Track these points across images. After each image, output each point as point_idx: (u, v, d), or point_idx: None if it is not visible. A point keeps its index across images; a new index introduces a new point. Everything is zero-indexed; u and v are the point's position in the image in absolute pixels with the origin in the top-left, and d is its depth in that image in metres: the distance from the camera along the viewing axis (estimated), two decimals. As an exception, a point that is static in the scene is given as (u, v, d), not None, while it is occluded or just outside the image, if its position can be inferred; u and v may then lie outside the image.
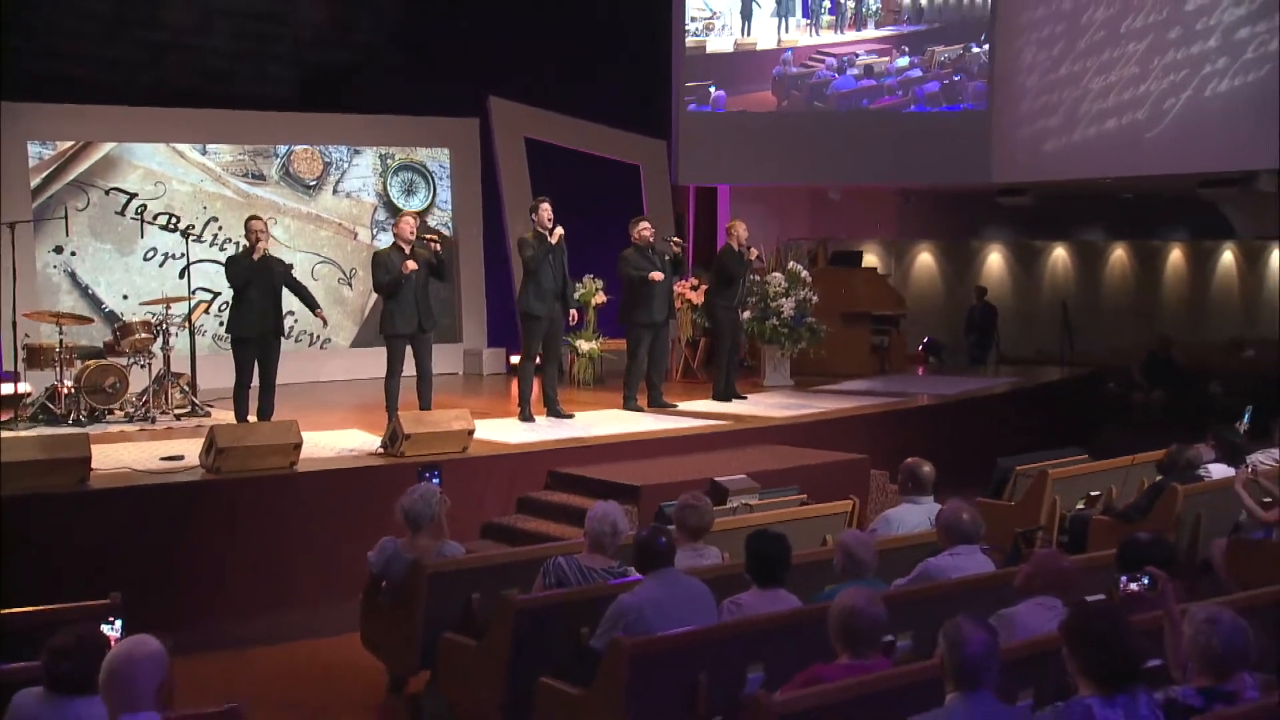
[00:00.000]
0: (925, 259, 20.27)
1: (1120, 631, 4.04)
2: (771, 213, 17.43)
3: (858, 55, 15.69)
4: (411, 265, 10.15)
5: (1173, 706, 4.15)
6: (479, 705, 5.94)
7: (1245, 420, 9.09)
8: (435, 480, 7.09)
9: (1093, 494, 9.09)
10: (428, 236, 10.61)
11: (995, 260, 21.18)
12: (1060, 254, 22.08)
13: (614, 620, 5.34)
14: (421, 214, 15.37)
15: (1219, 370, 17.62)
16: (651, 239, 11.79)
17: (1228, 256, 24.16)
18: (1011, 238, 21.09)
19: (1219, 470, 8.38)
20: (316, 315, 10.64)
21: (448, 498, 6.91)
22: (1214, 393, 16.23)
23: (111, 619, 4.58)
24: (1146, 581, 4.78)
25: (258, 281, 9.98)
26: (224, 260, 10.37)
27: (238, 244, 11.69)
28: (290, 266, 10.84)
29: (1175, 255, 23.55)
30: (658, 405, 11.87)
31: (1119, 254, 22.86)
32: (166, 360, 11.54)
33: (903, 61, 15.66)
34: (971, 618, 4.06)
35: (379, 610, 6.69)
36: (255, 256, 10.01)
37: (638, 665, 5.04)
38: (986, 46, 15.63)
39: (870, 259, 18.88)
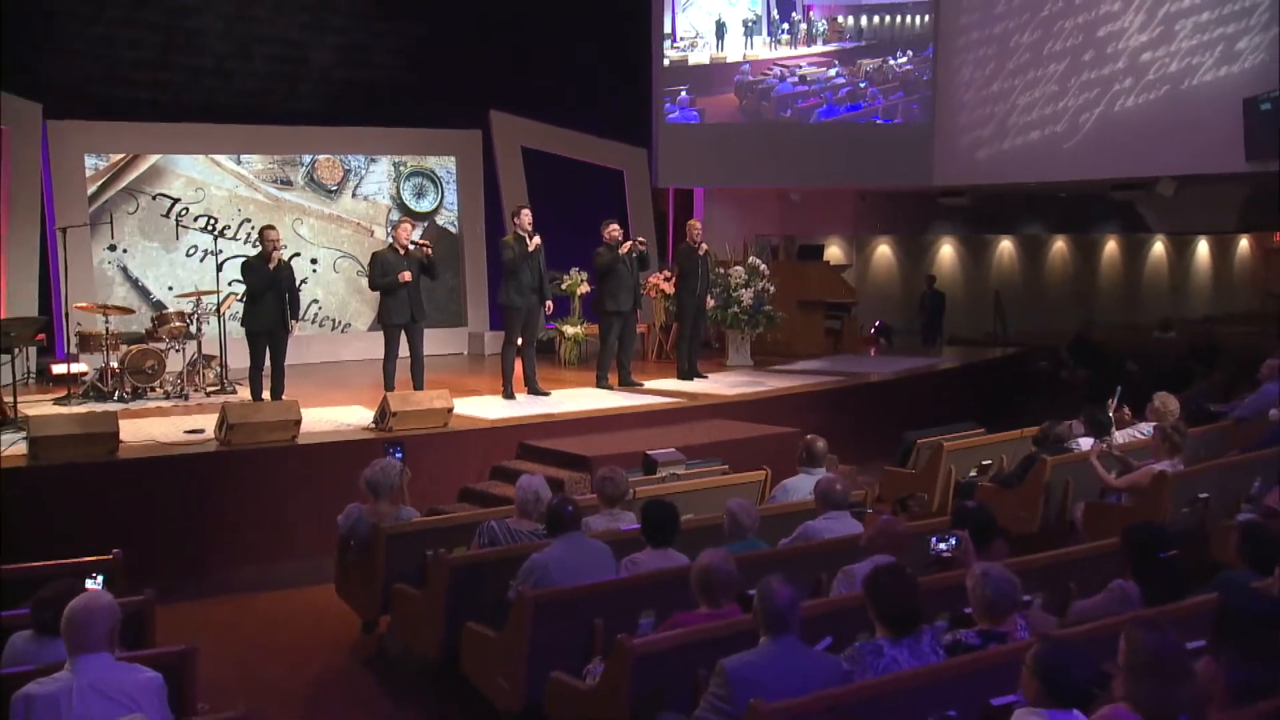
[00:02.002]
0: (884, 251, 20.45)
1: (905, 587, 4.36)
2: (743, 212, 17.63)
3: (800, 66, 16.04)
4: (407, 277, 10.46)
5: (956, 646, 4.47)
6: (423, 645, 6.31)
7: (1116, 399, 9.33)
8: (398, 455, 7.39)
9: (984, 463, 9.34)
10: (420, 242, 10.97)
11: (947, 252, 21.33)
12: (1006, 246, 22.21)
13: (525, 575, 5.66)
14: (430, 214, 15.74)
15: (1139, 350, 17.79)
16: (620, 237, 12.06)
17: (1158, 248, 24.27)
18: (961, 232, 21.24)
19: (1088, 444, 8.62)
20: (293, 320, 10.67)
21: (409, 470, 7.25)
22: (1130, 370, 16.39)
23: (94, 574, 4.88)
24: (954, 542, 5.07)
25: (272, 286, 10.33)
26: (242, 264, 10.63)
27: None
28: (299, 271, 11.13)
29: (1110, 247, 23.67)
30: (627, 384, 12.17)
31: (1059, 246, 22.98)
32: (199, 345, 11.93)
33: (832, 72, 16.02)
34: (780, 577, 4.35)
35: (348, 565, 7.04)
36: (271, 266, 10.32)
37: (541, 612, 5.38)
38: (902, 59, 15.89)
39: (834, 252, 19.12)
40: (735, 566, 4.98)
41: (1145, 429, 9.00)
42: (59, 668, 4.02)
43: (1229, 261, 25.87)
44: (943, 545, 5.07)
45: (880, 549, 5.45)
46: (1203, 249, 25.18)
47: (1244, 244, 25.74)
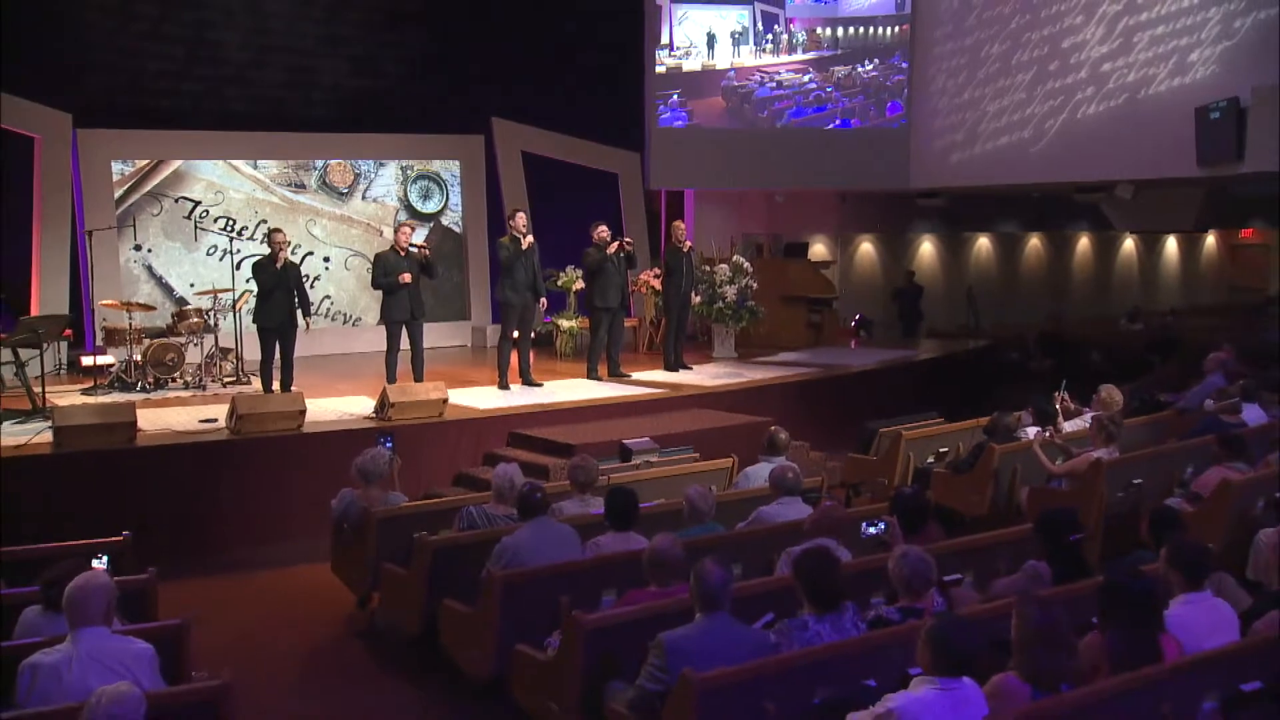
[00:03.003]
0: (866, 249, 20.53)
1: (827, 568, 4.55)
2: (731, 212, 17.76)
3: (779, 73, 16.25)
4: (407, 278, 10.65)
5: (878, 621, 4.66)
6: (406, 620, 6.52)
7: (1062, 391, 9.49)
8: (388, 445, 7.60)
9: (941, 450, 9.52)
10: (420, 245, 11.18)
11: (927, 249, 21.40)
12: (984, 243, 22.27)
13: (497, 556, 5.87)
14: (436, 215, 15.95)
15: (1107, 341, 17.91)
16: (608, 237, 12.24)
17: (1129, 244, 24.32)
18: (940, 231, 21.32)
19: (1035, 433, 8.81)
20: (306, 319, 10.76)
21: (399, 458, 7.45)
22: (1094, 360, 16.54)
23: (100, 554, 5.10)
24: (882, 526, 5.26)
25: (280, 284, 10.52)
26: (252, 264, 10.83)
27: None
28: (313, 269, 11.30)
29: (1083, 243, 23.72)
30: (615, 375, 12.36)
31: (1034, 243, 23.02)
32: (216, 339, 12.15)
33: (806, 78, 16.24)
34: (714, 559, 4.54)
35: (342, 546, 7.24)
36: (278, 265, 10.52)
37: (509, 591, 5.59)
38: (869, 66, 16.08)
39: (819, 250, 19.23)
40: (682, 550, 5.17)
41: (1089, 418, 9.17)
42: (62, 640, 4.24)
43: (1195, 257, 25.94)
44: (872, 529, 5.26)
45: (823, 532, 5.63)
46: (1171, 245, 25.24)
47: (1210, 240, 25.80)
